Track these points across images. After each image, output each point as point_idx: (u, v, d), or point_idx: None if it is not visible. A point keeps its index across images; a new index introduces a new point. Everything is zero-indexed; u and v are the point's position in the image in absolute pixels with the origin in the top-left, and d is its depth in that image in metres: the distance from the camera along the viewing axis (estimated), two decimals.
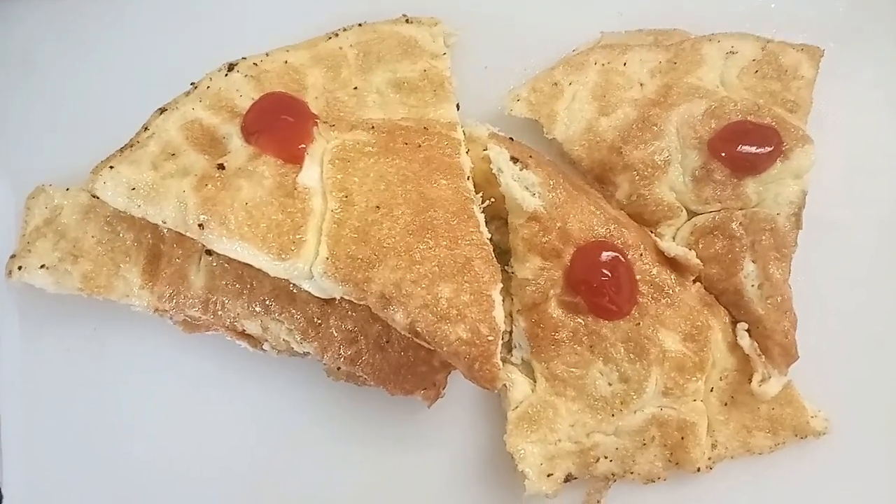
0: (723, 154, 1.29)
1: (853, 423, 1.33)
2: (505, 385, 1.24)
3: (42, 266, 1.28)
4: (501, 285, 1.18)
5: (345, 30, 1.38)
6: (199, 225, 1.16)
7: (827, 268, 1.37)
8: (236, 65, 1.31)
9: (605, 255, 1.24)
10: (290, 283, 1.20)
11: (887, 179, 1.41)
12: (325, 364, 1.27)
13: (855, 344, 1.36)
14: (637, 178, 1.31)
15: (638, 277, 1.25)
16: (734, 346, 1.29)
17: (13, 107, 1.42)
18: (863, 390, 1.34)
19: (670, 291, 1.26)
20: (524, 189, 1.25)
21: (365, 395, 1.31)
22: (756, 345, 1.28)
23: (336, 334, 1.23)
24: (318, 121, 1.26)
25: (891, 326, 1.37)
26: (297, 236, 1.16)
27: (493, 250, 1.21)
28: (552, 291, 1.24)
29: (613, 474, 1.26)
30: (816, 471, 1.33)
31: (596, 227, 1.26)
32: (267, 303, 1.24)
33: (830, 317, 1.36)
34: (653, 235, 1.31)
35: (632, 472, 1.26)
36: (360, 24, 1.38)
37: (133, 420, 1.34)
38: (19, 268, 1.28)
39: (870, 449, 1.33)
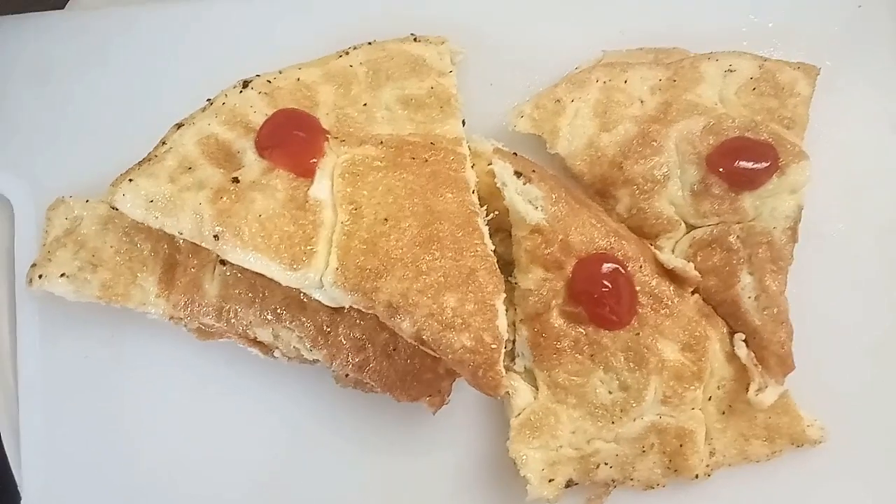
0: (721, 169, 1.33)
1: (849, 432, 1.35)
2: (508, 392, 1.27)
3: (62, 275, 1.32)
4: (505, 295, 1.22)
5: (355, 48, 1.42)
6: (215, 236, 1.21)
7: (823, 280, 1.40)
8: (251, 82, 1.36)
9: (606, 267, 1.27)
10: (301, 292, 1.24)
11: (882, 194, 1.44)
12: (333, 371, 1.30)
13: (851, 354, 1.38)
14: (637, 192, 1.35)
15: (638, 289, 1.29)
16: (732, 356, 1.32)
17: (35, 120, 1.47)
18: (859, 400, 1.37)
19: (669, 302, 1.30)
20: (527, 202, 1.29)
21: (372, 401, 1.35)
22: (753, 355, 1.31)
23: (345, 342, 1.27)
24: (328, 136, 1.31)
25: (886, 337, 1.39)
26: (308, 247, 1.20)
27: (497, 261, 1.25)
28: (554, 302, 1.28)
29: (613, 480, 1.29)
30: (813, 479, 1.35)
31: (597, 240, 1.29)
32: (278, 311, 1.28)
33: (826, 328, 1.38)
34: (652, 248, 1.34)
35: (631, 479, 1.29)
36: (369, 43, 1.42)
37: (148, 423, 1.37)
38: (40, 276, 1.32)
39: (866, 458, 1.36)
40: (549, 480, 1.25)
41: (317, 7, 1.50)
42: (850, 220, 1.43)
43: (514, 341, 1.31)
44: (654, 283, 1.30)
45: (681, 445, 1.28)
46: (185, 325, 1.33)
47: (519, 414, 1.27)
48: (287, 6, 1.51)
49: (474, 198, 1.28)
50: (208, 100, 1.35)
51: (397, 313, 1.17)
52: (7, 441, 1.39)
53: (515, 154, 1.36)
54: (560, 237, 1.28)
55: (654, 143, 1.36)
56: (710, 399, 1.31)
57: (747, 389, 1.30)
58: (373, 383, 1.28)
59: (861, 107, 1.48)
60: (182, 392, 1.38)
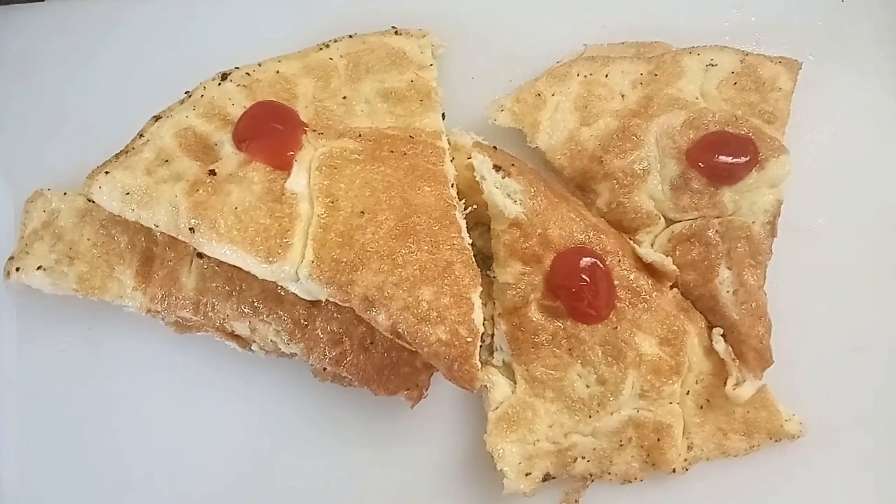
0: (700, 164, 1.33)
1: (827, 426, 1.35)
2: (485, 386, 1.27)
3: (39, 267, 1.31)
4: (481, 289, 1.21)
5: (335, 41, 1.42)
6: (190, 229, 1.20)
7: (802, 275, 1.40)
8: (229, 74, 1.35)
9: (585, 261, 1.27)
10: (278, 285, 1.23)
11: (861, 189, 1.44)
12: (311, 365, 1.30)
13: (829, 349, 1.39)
14: (617, 186, 1.35)
15: (616, 283, 1.29)
16: (710, 351, 1.32)
17: (13, 113, 1.46)
18: (837, 394, 1.37)
19: (647, 297, 1.30)
20: (506, 196, 1.29)
21: (350, 395, 1.35)
22: (731, 349, 1.31)
23: (322, 335, 1.27)
24: (307, 129, 1.30)
25: (864, 332, 1.40)
26: (284, 240, 1.20)
27: (476, 255, 1.25)
28: (532, 296, 1.28)
29: (591, 474, 1.29)
30: (791, 473, 1.35)
31: (575, 234, 1.29)
32: (255, 304, 1.28)
33: (805, 323, 1.38)
34: (631, 242, 1.34)
35: (609, 473, 1.29)
36: (350, 36, 1.42)
37: (126, 417, 1.37)
38: (17, 269, 1.32)
39: (843, 452, 1.36)
40: (527, 474, 1.25)
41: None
42: (830, 214, 1.43)
43: (492, 335, 1.31)
44: (632, 277, 1.30)
45: (658, 439, 1.28)
46: (163, 319, 1.33)
47: (496, 408, 1.27)
48: None
49: (453, 191, 1.28)
50: (186, 92, 1.35)
51: (373, 306, 1.17)
52: None
53: (495, 148, 1.37)
54: (539, 231, 1.28)
55: (634, 137, 1.36)
56: (688, 393, 1.32)
57: (725, 384, 1.30)
58: (350, 377, 1.28)
59: (843, 102, 1.48)
60: (160, 385, 1.38)
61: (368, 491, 1.36)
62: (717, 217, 1.33)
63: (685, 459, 1.31)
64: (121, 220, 1.30)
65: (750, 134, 1.34)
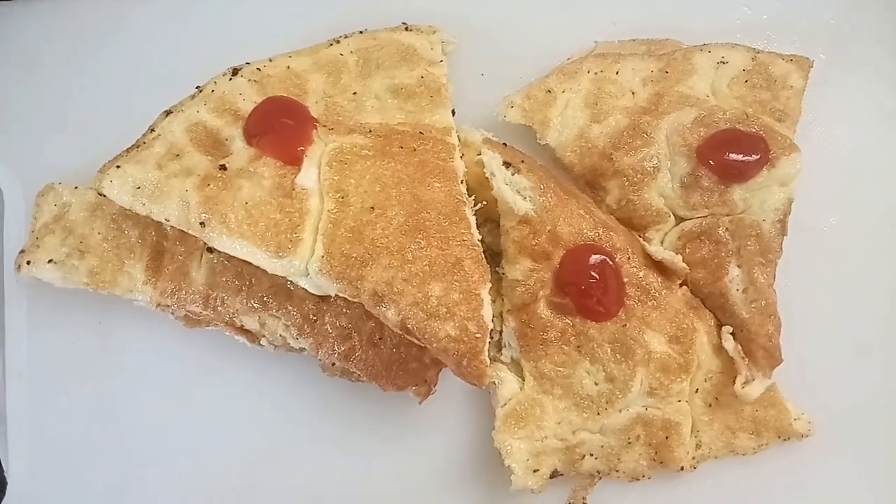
0: (711, 161, 1.32)
1: (836, 425, 1.35)
2: (493, 382, 1.27)
3: (50, 261, 1.32)
4: (490, 285, 1.22)
5: (346, 37, 1.41)
6: (201, 223, 1.21)
7: (812, 273, 1.39)
8: (240, 69, 1.36)
9: (594, 258, 1.27)
10: (288, 280, 1.24)
11: (873, 187, 1.43)
12: (320, 360, 1.31)
13: (838, 348, 1.38)
14: (627, 183, 1.35)
15: (625, 280, 1.28)
16: (719, 349, 1.32)
17: (24, 107, 1.46)
18: (846, 394, 1.37)
19: (657, 294, 1.29)
20: (516, 193, 1.29)
21: (358, 390, 1.35)
22: (740, 348, 1.30)
23: (331, 331, 1.27)
24: (317, 124, 1.30)
25: (873, 331, 1.39)
26: (295, 235, 1.20)
27: (485, 252, 1.25)
28: (541, 292, 1.28)
29: (599, 472, 1.29)
30: (799, 472, 1.35)
31: (585, 231, 1.29)
32: (265, 299, 1.28)
33: (815, 321, 1.38)
34: (641, 239, 1.34)
35: (617, 470, 1.29)
36: (360, 32, 1.42)
37: (135, 410, 1.38)
38: (28, 262, 1.32)
39: (852, 452, 1.36)
40: (534, 471, 1.25)
41: None
42: (841, 213, 1.42)
43: (501, 332, 1.31)
44: (641, 274, 1.30)
45: (666, 437, 1.28)
46: (172, 313, 1.33)
47: (505, 404, 1.27)
48: None
49: (462, 187, 1.28)
50: (197, 87, 1.35)
51: (382, 302, 1.17)
52: None
53: (505, 144, 1.36)
54: (548, 228, 1.28)
55: (644, 134, 1.35)
56: (696, 391, 1.31)
57: (734, 382, 1.29)
58: (359, 372, 1.28)
59: (854, 100, 1.47)
60: (169, 380, 1.38)
61: (376, 486, 1.36)
62: (728, 215, 1.32)
63: (693, 458, 1.31)
64: (131, 215, 1.31)
65: (761, 132, 1.34)
